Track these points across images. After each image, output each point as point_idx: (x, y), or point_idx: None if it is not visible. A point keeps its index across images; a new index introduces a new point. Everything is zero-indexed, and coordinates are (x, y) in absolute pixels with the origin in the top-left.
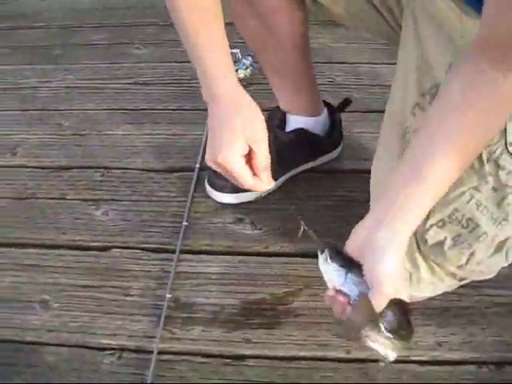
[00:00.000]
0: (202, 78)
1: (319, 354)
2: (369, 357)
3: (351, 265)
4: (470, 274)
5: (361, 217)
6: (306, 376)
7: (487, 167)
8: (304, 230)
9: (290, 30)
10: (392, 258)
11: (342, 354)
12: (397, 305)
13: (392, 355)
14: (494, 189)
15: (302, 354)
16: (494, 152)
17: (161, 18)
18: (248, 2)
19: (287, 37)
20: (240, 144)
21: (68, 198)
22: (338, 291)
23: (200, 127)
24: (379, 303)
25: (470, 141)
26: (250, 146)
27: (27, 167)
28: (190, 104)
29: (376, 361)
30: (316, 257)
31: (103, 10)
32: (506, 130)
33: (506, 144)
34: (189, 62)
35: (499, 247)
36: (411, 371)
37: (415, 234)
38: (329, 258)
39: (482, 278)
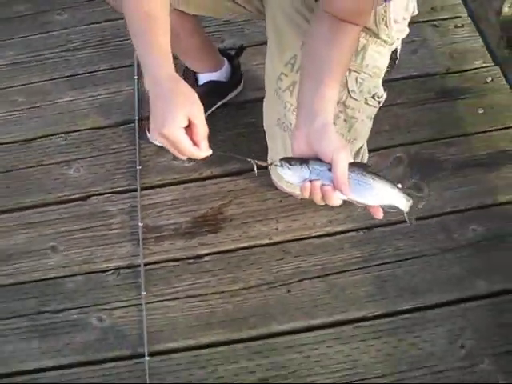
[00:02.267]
0: (147, 68)
1: (251, 243)
2: (285, 239)
3: (307, 160)
4: None
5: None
6: (243, 261)
7: (337, 108)
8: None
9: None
10: (333, 133)
11: (266, 241)
12: (360, 165)
13: (409, 203)
14: (345, 121)
15: (240, 245)
16: (342, 98)
17: None
18: None
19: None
20: (182, 117)
21: (44, 163)
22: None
23: (130, 82)
24: (344, 173)
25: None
26: (189, 120)
27: (1, 144)
28: (118, 62)
29: (292, 240)
30: (239, 174)
31: None
32: (347, 81)
33: (348, 91)
34: (107, 20)
35: (357, 153)
36: (311, 244)
37: None
38: (289, 165)
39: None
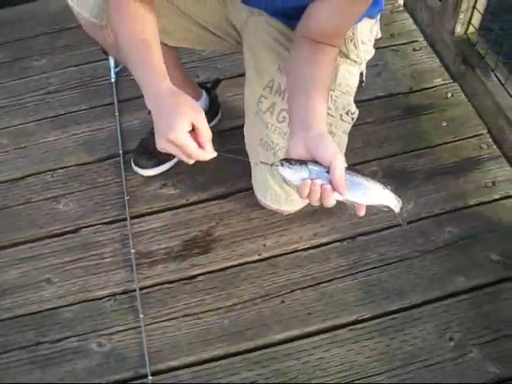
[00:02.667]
0: (148, 88)
1: (241, 260)
2: (274, 254)
3: (306, 162)
4: None
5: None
6: (235, 278)
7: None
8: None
9: None
10: (330, 139)
11: (256, 257)
12: (354, 169)
13: (400, 204)
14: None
15: (231, 263)
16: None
17: (46, 26)
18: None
19: None
20: (186, 123)
21: (33, 200)
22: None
23: (112, 119)
24: (342, 175)
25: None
26: (193, 125)
27: None
28: (98, 101)
29: (280, 255)
30: (224, 197)
31: None
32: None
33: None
34: (86, 63)
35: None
36: (299, 257)
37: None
38: (289, 164)
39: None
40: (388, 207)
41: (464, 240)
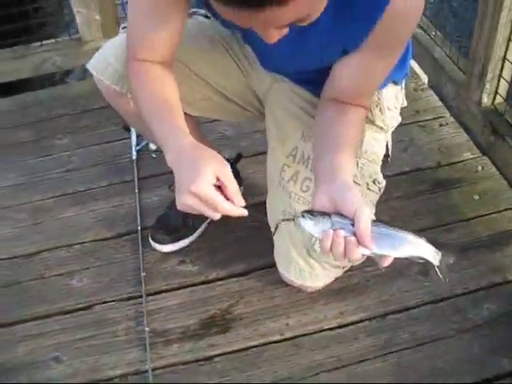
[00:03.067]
0: (170, 145)
1: (262, 340)
2: (297, 334)
3: (329, 214)
4: (348, 262)
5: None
6: (257, 359)
7: None
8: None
9: None
10: (355, 191)
11: (278, 337)
12: (382, 221)
13: (438, 256)
14: None
15: (250, 343)
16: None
17: (69, 108)
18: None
19: None
20: (210, 175)
21: (46, 276)
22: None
23: (131, 196)
24: (368, 227)
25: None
26: (217, 178)
27: (2, 259)
28: (118, 178)
29: (304, 335)
30: (244, 274)
31: (19, 109)
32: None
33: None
34: (107, 142)
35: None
36: (324, 337)
37: (305, 246)
38: (311, 215)
39: (357, 263)
40: (423, 259)
41: (504, 317)
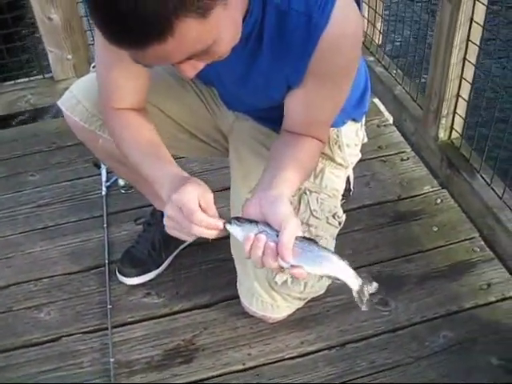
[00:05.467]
0: (161, 182)
1: (224, 370)
2: (259, 363)
3: (257, 221)
4: (309, 294)
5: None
6: None
7: (301, 228)
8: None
9: None
10: (286, 203)
11: (240, 366)
12: (309, 238)
13: (358, 281)
14: None
15: (213, 373)
16: (305, 218)
17: (44, 144)
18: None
19: None
20: (193, 192)
21: (14, 309)
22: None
23: (100, 230)
24: (290, 239)
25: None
26: (199, 202)
27: None
28: (87, 214)
29: (266, 364)
30: (208, 306)
31: None
32: (308, 202)
33: (310, 211)
34: (78, 178)
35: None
36: (285, 365)
37: (267, 278)
38: (238, 222)
39: (317, 294)
40: (339, 280)
41: (461, 344)
